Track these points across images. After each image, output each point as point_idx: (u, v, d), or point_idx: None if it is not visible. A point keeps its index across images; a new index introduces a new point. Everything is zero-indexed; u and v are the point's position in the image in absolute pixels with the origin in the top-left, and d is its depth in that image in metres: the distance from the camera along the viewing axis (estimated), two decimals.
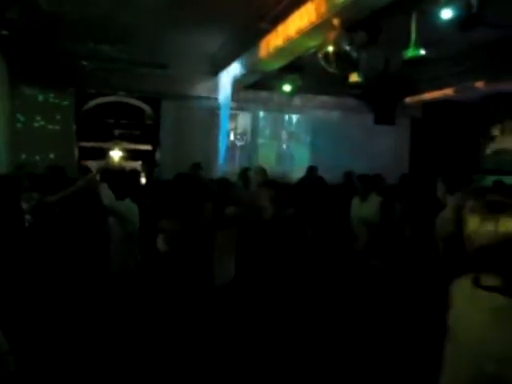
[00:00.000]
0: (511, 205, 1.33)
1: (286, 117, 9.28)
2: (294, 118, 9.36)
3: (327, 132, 9.39)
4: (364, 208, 4.59)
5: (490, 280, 1.33)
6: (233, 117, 8.99)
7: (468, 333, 1.35)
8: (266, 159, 8.79)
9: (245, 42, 6.20)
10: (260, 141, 9.05)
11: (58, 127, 7.58)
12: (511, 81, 7.00)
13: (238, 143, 9.18)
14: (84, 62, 7.18)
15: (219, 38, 6.73)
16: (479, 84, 7.29)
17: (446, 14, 3.88)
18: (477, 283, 1.36)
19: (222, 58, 7.41)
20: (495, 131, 9.37)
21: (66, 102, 7.63)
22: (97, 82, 7.52)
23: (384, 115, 8.36)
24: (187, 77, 7.95)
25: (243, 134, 9.18)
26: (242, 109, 8.80)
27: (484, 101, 9.15)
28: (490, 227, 1.31)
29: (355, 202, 4.78)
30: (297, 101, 8.68)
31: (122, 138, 8.41)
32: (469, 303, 1.39)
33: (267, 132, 9.20)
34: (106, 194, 3.55)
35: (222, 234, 3.33)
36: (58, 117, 7.59)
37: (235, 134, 9.19)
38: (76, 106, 7.72)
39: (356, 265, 4.41)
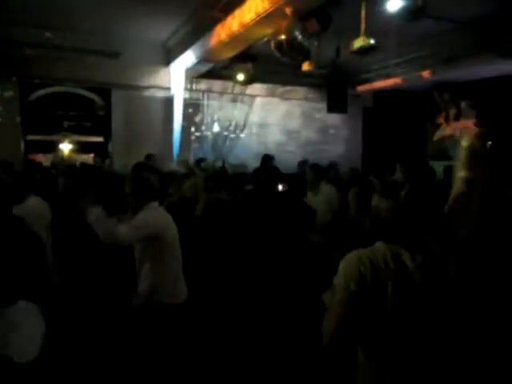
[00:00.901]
0: (403, 184, 1.62)
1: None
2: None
3: (281, 121, 9.49)
4: (314, 197, 4.66)
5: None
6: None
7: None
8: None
9: (197, 30, 6.10)
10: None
11: (0, 119, 7.18)
12: (454, 70, 7.33)
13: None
14: (27, 50, 6.81)
15: (171, 27, 6.59)
16: (426, 73, 7.57)
17: (393, 4, 4.00)
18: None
19: (175, 46, 7.27)
20: (440, 119, 9.72)
21: (9, 93, 7.20)
22: (42, 72, 7.13)
23: (336, 104, 8.51)
24: (138, 66, 7.72)
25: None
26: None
27: (431, 90, 9.52)
28: (384, 203, 1.57)
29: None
30: (251, 90, 8.67)
31: (72, 130, 8.10)
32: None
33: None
34: None
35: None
36: (1, 108, 7.18)
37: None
38: (20, 97, 7.31)
39: (317, 257, 4.41)
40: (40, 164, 6.37)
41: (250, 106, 9.15)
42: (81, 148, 8.12)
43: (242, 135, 9.17)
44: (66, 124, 8.04)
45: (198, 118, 8.82)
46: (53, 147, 7.91)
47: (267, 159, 7.01)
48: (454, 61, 6.86)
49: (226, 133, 9.00)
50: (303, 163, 6.86)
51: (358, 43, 4.47)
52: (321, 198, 4.61)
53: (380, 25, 4.56)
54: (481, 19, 5.75)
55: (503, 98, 8.27)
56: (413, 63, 7.37)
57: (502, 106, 8.34)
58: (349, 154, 9.83)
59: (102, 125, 8.10)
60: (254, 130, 9.33)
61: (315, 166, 4.91)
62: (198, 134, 8.83)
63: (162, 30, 6.73)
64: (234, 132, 9.09)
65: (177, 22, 6.30)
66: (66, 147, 8.01)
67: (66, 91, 7.77)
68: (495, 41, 5.91)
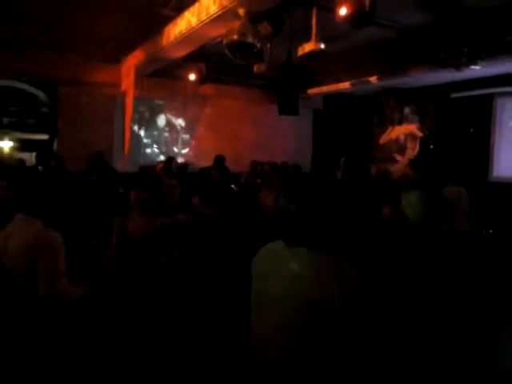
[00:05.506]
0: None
1: None
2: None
3: (233, 122, 9.51)
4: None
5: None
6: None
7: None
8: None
9: (148, 28, 5.98)
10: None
11: None
12: (399, 77, 7.66)
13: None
14: None
15: (121, 23, 6.40)
16: (373, 79, 7.86)
17: (342, 11, 4.13)
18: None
19: (125, 43, 7.07)
20: (386, 123, 10.19)
21: None
22: None
23: (288, 106, 8.65)
24: (87, 62, 7.45)
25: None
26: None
27: (378, 95, 9.91)
28: None
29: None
30: (203, 90, 8.61)
31: (12, 126, 7.69)
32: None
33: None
34: None
35: None
36: None
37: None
38: None
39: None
40: None
41: (202, 105, 9.09)
42: (23, 146, 7.73)
43: (194, 135, 9.11)
44: (5, 120, 7.63)
45: (149, 117, 8.65)
46: None
47: (219, 160, 6.95)
48: (397, 68, 7.18)
49: (177, 132, 8.90)
50: (255, 163, 6.93)
51: (309, 47, 4.56)
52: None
53: (331, 30, 4.70)
54: (422, 29, 6.04)
55: (443, 104, 8.76)
56: (361, 69, 7.63)
57: (442, 111, 8.83)
58: (299, 154, 10.02)
59: (47, 122, 7.76)
60: (206, 129, 9.28)
61: (273, 166, 5.09)
62: (148, 133, 8.66)
63: (113, 26, 6.52)
64: (186, 132, 9.00)
65: (128, 18, 6.13)
66: (5, 145, 7.60)
67: (5, 85, 7.37)
68: (434, 50, 6.23)
